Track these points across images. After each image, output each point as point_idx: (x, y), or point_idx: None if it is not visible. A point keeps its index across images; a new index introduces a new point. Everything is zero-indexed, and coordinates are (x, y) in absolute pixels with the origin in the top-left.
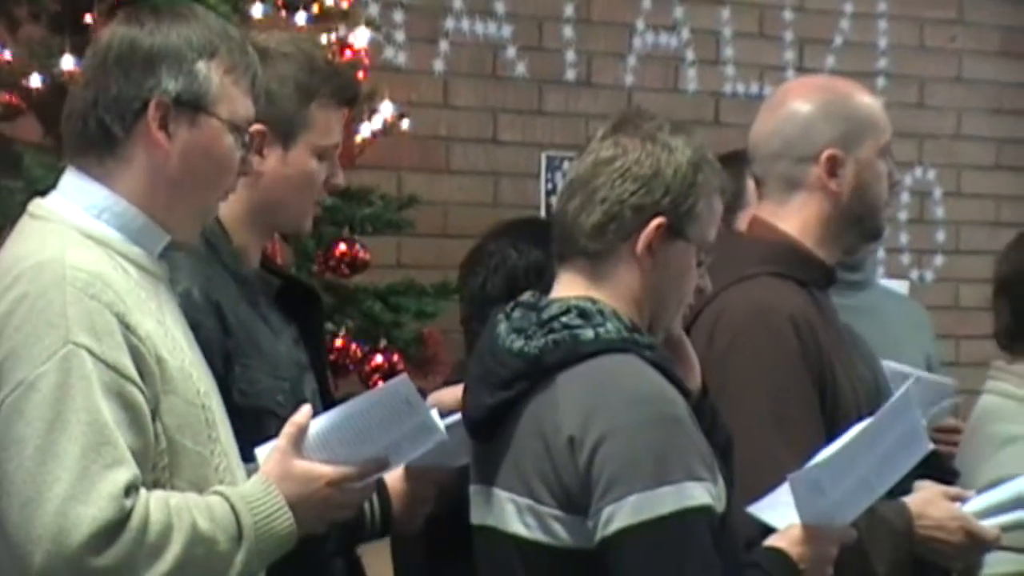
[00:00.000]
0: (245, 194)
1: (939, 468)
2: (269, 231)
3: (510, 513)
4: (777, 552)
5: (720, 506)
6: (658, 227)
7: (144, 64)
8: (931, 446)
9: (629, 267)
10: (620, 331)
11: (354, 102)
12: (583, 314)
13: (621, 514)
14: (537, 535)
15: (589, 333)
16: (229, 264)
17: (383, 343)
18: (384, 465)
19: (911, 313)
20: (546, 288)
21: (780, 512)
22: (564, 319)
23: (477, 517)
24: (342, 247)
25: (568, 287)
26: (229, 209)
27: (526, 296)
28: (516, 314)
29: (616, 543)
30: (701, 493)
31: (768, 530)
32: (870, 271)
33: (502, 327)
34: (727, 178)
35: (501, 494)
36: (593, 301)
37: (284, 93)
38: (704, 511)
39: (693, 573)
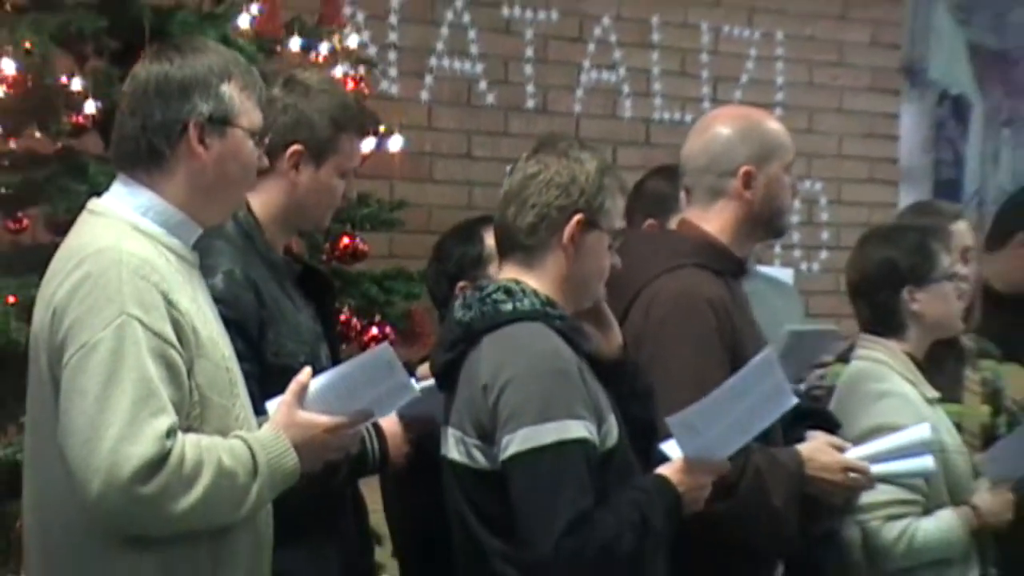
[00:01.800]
0: (281, 199)
1: (826, 420)
2: (295, 229)
3: (451, 444)
4: (660, 478)
5: (609, 441)
6: (578, 222)
7: (180, 93)
8: (795, 400)
9: (557, 255)
10: (535, 305)
11: (374, 133)
12: (507, 292)
13: (514, 443)
14: (464, 460)
15: (508, 306)
16: (262, 251)
17: (378, 318)
18: (369, 415)
19: (786, 295)
20: (480, 272)
21: (675, 448)
22: (494, 296)
23: (442, 450)
24: (345, 240)
25: (506, 274)
26: (266, 209)
27: (480, 282)
28: (468, 293)
29: (510, 464)
30: (579, 428)
31: None
32: (751, 263)
33: (457, 303)
34: (665, 184)
35: (449, 430)
36: (518, 282)
37: (321, 123)
38: (580, 443)
39: (566, 490)
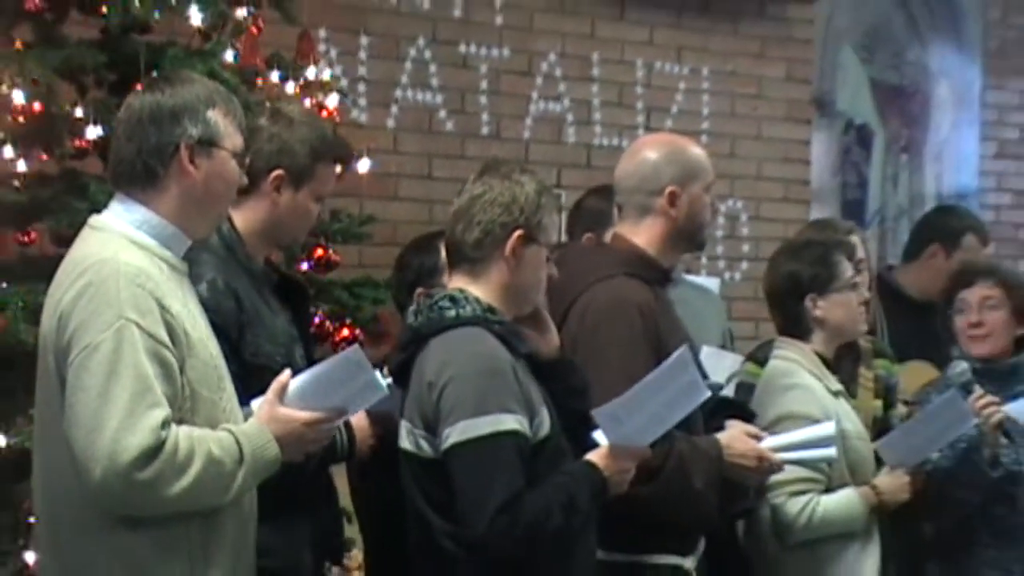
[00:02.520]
0: (263, 217)
1: (743, 411)
2: (273, 243)
3: (404, 435)
4: (587, 463)
5: (542, 432)
6: (519, 237)
7: (171, 118)
8: (708, 393)
9: (499, 267)
10: (476, 311)
11: (348, 161)
12: (452, 300)
13: (454, 434)
14: (413, 449)
15: (452, 312)
16: (242, 262)
17: (348, 321)
18: (343, 412)
19: (711, 301)
20: (436, 280)
21: (604, 437)
22: (440, 303)
23: (399, 441)
24: (319, 251)
25: (454, 284)
26: (248, 225)
27: (433, 290)
28: (421, 300)
29: (450, 453)
30: (511, 421)
31: None
32: (678, 272)
33: (411, 309)
34: (601, 202)
35: (403, 422)
36: (462, 291)
37: (301, 151)
38: (512, 434)
39: (499, 475)
